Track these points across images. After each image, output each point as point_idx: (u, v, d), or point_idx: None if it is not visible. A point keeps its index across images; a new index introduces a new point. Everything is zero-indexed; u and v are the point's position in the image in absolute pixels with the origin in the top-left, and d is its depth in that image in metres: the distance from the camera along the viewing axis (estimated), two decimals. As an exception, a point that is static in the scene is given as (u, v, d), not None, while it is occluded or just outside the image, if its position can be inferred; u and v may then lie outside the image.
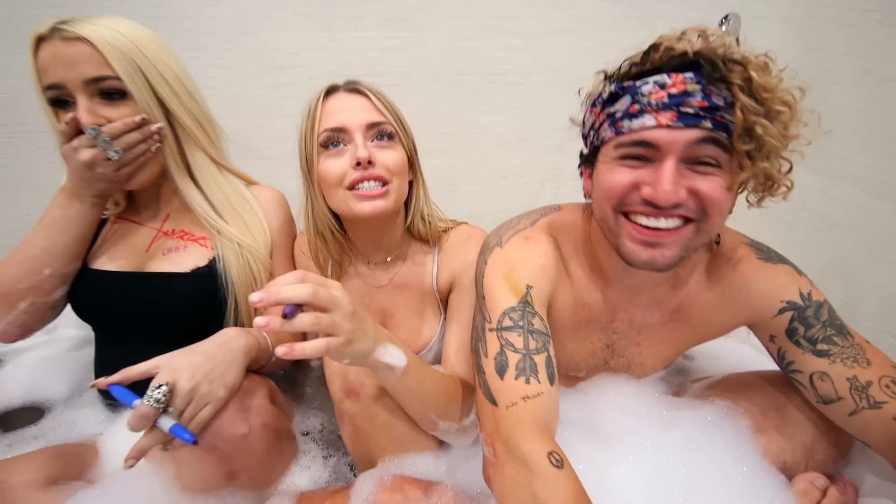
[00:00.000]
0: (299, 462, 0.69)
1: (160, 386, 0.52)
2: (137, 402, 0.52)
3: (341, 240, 0.78)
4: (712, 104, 0.51)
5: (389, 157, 0.70)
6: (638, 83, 0.54)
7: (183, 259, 0.76)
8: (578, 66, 1.34)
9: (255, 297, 0.46)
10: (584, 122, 0.64)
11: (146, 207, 0.80)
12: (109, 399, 0.81)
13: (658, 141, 0.53)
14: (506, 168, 1.48)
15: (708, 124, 0.52)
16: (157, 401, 0.51)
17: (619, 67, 0.58)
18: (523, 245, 0.67)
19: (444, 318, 0.82)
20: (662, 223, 0.55)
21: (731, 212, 0.58)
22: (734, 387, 0.73)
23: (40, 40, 0.67)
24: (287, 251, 0.84)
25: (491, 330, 0.61)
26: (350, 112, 0.69)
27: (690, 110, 0.52)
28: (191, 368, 0.55)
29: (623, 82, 0.56)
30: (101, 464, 0.68)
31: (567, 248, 0.69)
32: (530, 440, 0.53)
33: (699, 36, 0.53)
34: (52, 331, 0.94)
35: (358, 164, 0.67)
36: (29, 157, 1.29)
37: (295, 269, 0.84)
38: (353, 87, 0.72)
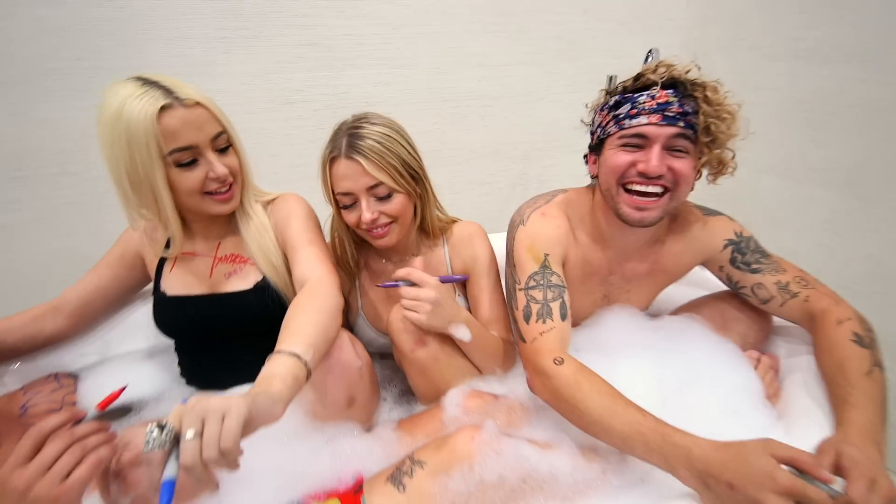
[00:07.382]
0: (385, 401, 0.87)
1: None
2: None
3: (356, 252, 0.97)
4: (684, 111, 0.75)
5: (389, 208, 0.84)
6: (636, 95, 0.78)
7: (243, 278, 0.86)
8: (534, 90, 1.65)
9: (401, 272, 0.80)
10: (592, 122, 0.87)
11: (202, 239, 0.89)
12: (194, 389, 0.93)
13: (649, 133, 0.76)
14: (483, 177, 1.74)
15: (681, 124, 0.75)
16: None
17: (615, 87, 0.82)
18: (541, 220, 0.88)
19: (458, 296, 0.98)
20: (651, 189, 0.78)
21: (692, 188, 0.82)
22: (690, 306, 1.02)
23: (163, 109, 0.71)
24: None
25: (520, 290, 0.84)
26: (351, 179, 0.82)
27: (671, 114, 0.75)
28: None
29: (625, 94, 0.79)
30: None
31: (575, 219, 0.91)
32: (544, 357, 0.75)
33: (666, 67, 0.77)
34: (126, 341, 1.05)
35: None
36: (46, 199, 1.36)
37: None
38: (349, 155, 0.81)
